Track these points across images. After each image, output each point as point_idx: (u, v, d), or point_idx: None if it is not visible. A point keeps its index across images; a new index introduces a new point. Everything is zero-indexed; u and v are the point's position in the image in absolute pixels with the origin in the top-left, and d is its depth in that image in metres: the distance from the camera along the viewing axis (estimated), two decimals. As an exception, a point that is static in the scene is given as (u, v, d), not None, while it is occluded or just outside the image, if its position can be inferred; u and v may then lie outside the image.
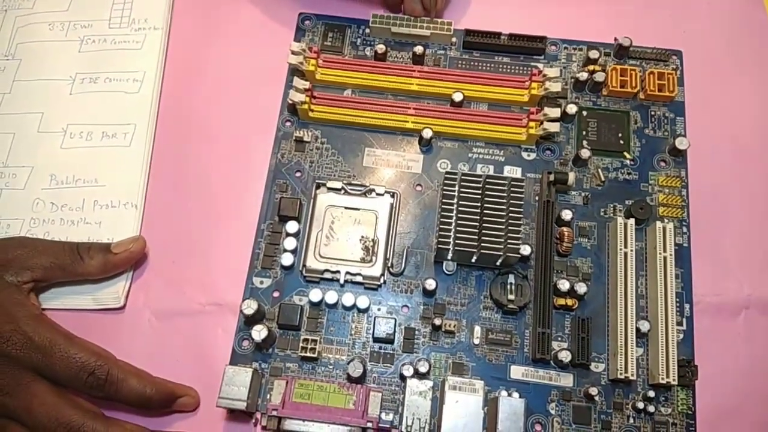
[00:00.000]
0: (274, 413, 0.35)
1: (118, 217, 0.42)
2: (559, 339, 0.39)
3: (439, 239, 0.39)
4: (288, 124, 0.45)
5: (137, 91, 0.46)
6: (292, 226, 0.41)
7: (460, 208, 0.39)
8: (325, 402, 0.35)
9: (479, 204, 0.39)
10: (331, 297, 0.39)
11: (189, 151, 0.45)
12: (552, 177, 0.42)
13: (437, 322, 0.39)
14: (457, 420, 0.34)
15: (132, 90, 0.46)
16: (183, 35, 0.48)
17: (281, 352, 0.39)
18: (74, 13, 0.48)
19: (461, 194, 0.40)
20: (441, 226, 0.39)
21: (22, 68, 0.47)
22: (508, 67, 0.46)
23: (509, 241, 0.38)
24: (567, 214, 0.41)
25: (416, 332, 0.39)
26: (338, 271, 0.40)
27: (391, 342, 0.39)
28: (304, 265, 0.40)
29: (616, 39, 0.46)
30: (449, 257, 0.40)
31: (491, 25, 0.46)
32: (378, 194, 0.42)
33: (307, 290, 0.40)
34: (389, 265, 0.41)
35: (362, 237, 0.41)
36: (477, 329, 0.40)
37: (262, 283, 0.41)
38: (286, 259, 0.40)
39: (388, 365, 0.39)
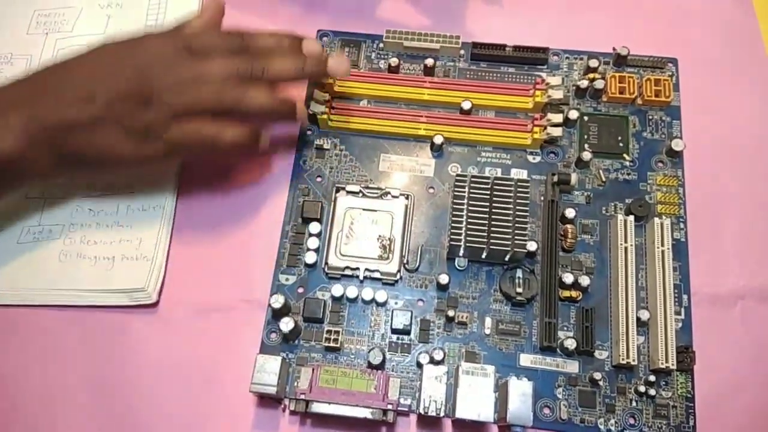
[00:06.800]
0: (303, 397, 0.38)
1: (147, 219, 0.45)
2: (565, 329, 0.42)
3: (451, 237, 0.42)
4: (309, 132, 0.48)
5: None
6: (314, 227, 0.44)
7: (470, 208, 0.42)
8: (349, 387, 0.38)
9: (488, 204, 0.42)
10: (351, 292, 0.42)
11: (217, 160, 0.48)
12: (556, 178, 0.44)
13: (450, 314, 0.42)
14: (471, 402, 0.37)
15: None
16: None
17: (306, 343, 0.42)
18: (110, 34, 0.52)
19: (471, 195, 0.43)
20: (452, 225, 0.42)
21: (63, 86, 0.50)
22: (513, 76, 0.49)
23: (516, 237, 0.41)
24: (570, 212, 0.44)
25: (431, 324, 0.42)
26: (358, 268, 0.43)
27: (408, 333, 0.42)
28: (326, 263, 0.43)
29: (614, 48, 0.49)
30: (461, 254, 0.43)
31: (497, 37, 0.49)
32: (393, 197, 0.45)
33: (329, 286, 0.43)
34: (405, 261, 0.44)
35: (379, 236, 0.44)
36: (488, 320, 0.42)
37: (287, 280, 0.44)
38: (310, 258, 0.43)
39: (406, 354, 0.42)
